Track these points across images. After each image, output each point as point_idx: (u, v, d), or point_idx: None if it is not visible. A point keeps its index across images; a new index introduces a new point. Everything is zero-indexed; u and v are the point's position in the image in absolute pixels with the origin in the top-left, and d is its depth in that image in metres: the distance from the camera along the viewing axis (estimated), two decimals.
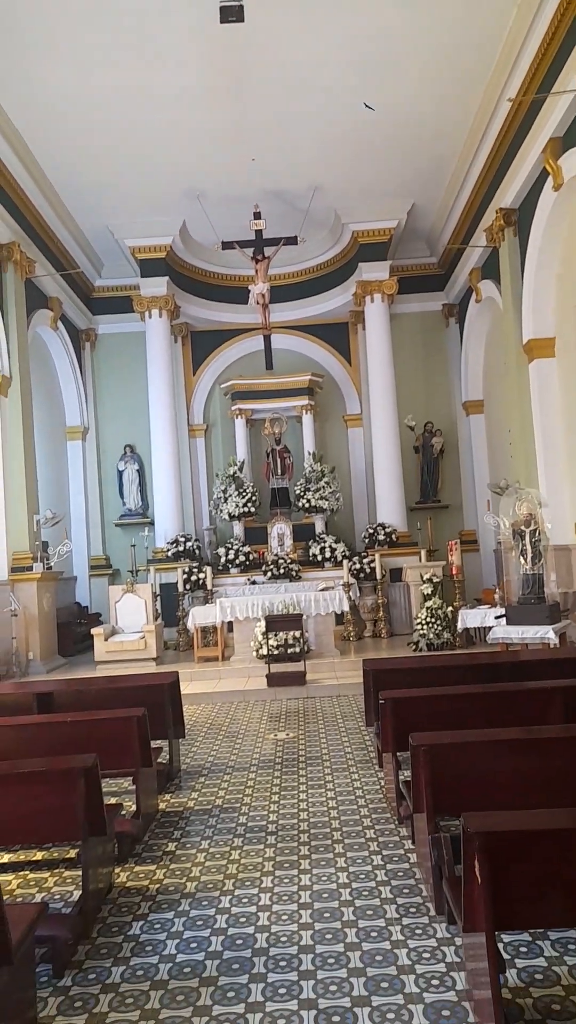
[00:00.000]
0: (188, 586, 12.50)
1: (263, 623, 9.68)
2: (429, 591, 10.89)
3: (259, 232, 12.57)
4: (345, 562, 12.33)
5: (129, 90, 9.58)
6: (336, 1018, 2.76)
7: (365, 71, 9.57)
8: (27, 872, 4.25)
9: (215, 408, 15.29)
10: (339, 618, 11.49)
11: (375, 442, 13.83)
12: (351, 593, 11.85)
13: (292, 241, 12.64)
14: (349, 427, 15.19)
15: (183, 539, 13.15)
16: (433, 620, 10.44)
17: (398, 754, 4.82)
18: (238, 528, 13.76)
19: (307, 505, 13.49)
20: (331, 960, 3.14)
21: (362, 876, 3.93)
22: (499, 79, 9.60)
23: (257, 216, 12.39)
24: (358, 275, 13.72)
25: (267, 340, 13.45)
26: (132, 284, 14.12)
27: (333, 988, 2.94)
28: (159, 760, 5.73)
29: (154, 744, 5.37)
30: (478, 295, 12.85)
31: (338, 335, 15.23)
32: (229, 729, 7.53)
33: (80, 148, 10.72)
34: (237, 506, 13.55)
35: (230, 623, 10.76)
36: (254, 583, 12.57)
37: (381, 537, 13.07)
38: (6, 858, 4.44)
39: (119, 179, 11.66)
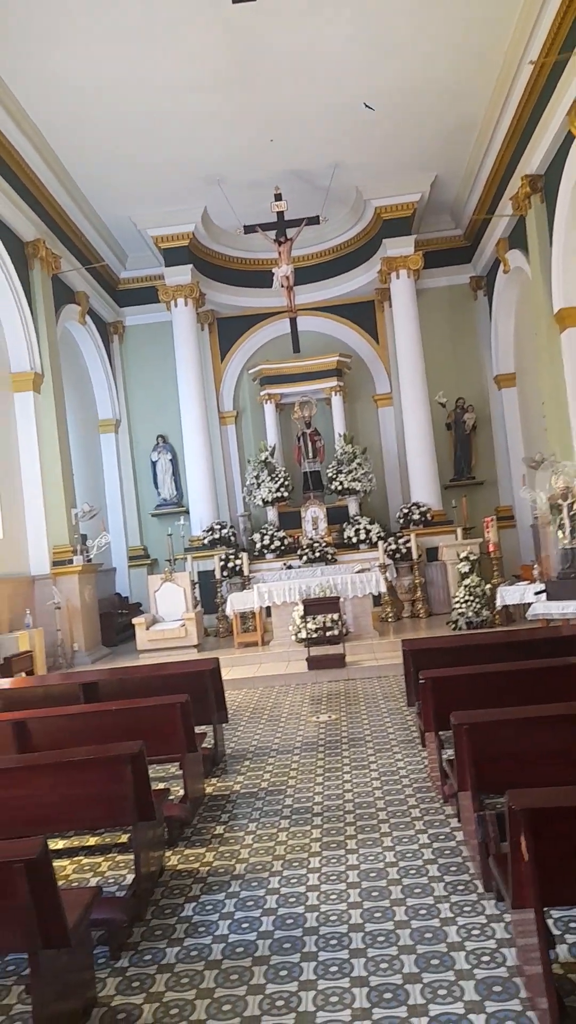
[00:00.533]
0: (225, 573, 12.61)
1: (300, 607, 9.73)
2: (466, 569, 10.81)
3: (280, 214, 12.48)
4: (380, 543, 12.29)
5: (144, 80, 9.56)
6: (388, 995, 2.79)
7: (380, 43, 9.39)
8: (81, 857, 4.38)
9: (244, 394, 15.30)
10: (376, 599, 11.48)
11: (406, 421, 13.71)
12: (388, 574, 11.81)
13: (314, 221, 12.52)
14: (379, 407, 15.08)
15: (218, 527, 13.24)
16: (471, 598, 10.37)
17: (440, 733, 4.82)
18: (272, 513, 13.80)
19: (340, 487, 13.46)
20: (381, 938, 3.18)
21: (409, 855, 3.96)
22: (520, 41, 9.34)
23: (278, 198, 12.30)
24: (382, 252, 13.55)
25: (293, 323, 13.39)
26: (157, 274, 14.16)
27: (384, 966, 2.98)
28: (204, 745, 5.82)
29: (198, 729, 5.45)
30: (506, 266, 12.59)
31: (364, 314, 15.08)
32: (271, 713, 7.60)
33: (98, 141, 10.75)
34: (270, 491, 13.59)
35: (268, 608, 10.83)
36: (290, 568, 12.62)
37: (416, 517, 12.99)
38: (61, 844, 4.57)
39: (139, 170, 11.66)
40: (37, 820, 3.60)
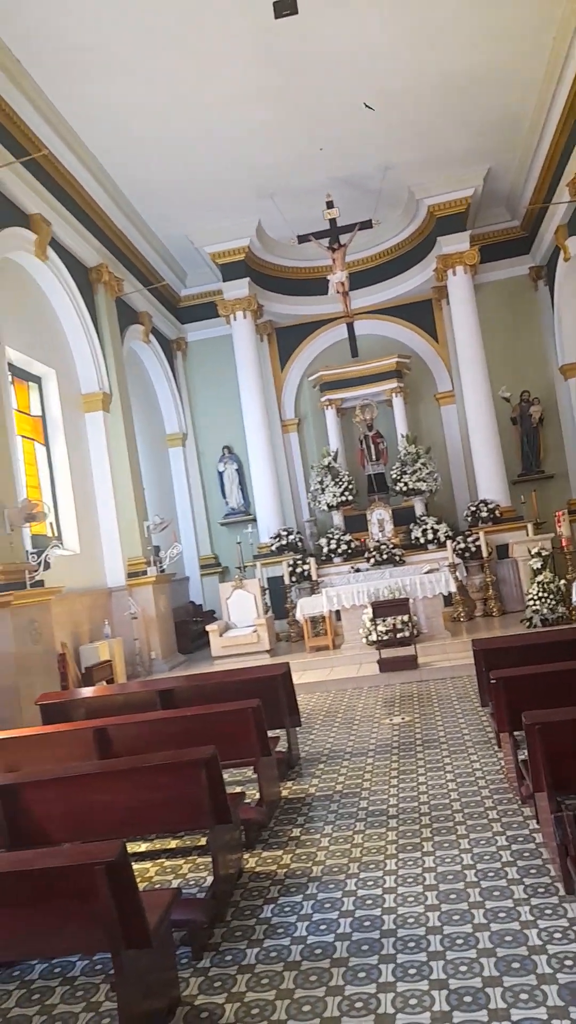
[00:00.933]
0: (294, 578, 12.70)
1: (370, 610, 9.71)
2: (539, 565, 10.55)
3: (333, 221, 12.52)
4: (449, 542, 12.13)
5: (191, 99, 9.80)
6: (468, 998, 2.77)
7: (420, 34, 9.28)
8: (163, 860, 4.51)
9: (305, 401, 15.40)
10: (447, 599, 11.33)
11: (470, 417, 13.49)
12: (457, 573, 11.64)
13: (367, 225, 12.51)
14: (441, 405, 14.90)
15: (285, 533, 13.35)
16: (545, 595, 10.11)
17: (515, 733, 4.74)
18: (337, 518, 13.81)
19: (405, 488, 13.36)
20: (460, 941, 3.16)
21: (487, 857, 3.91)
22: (569, 20, 9.11)
23: (330, 205, 12.35)
24: (437, 250, 13.41)
25: (350, 327, 13.41)
26: (215, 289, 14.43)
27: (463, 968, 2.96)
28: (278, 749, 5.89)
29: (272, 733, 5.53)
30: (566, 253, 12.26)
31: (422, 313, 14.95)
32: (345, 716, 7.62)
33: (152, 163, 11.06)
34: (334, 496, 13.61)
35: (338, 612, 10.85)
36: (358, 571, 12.59)
37: (484, 514, 12.76)
38: (144, 847, 4.71)
39: (193, 188, 11.94)
40: (119, 824, 3.74)
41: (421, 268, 14.20)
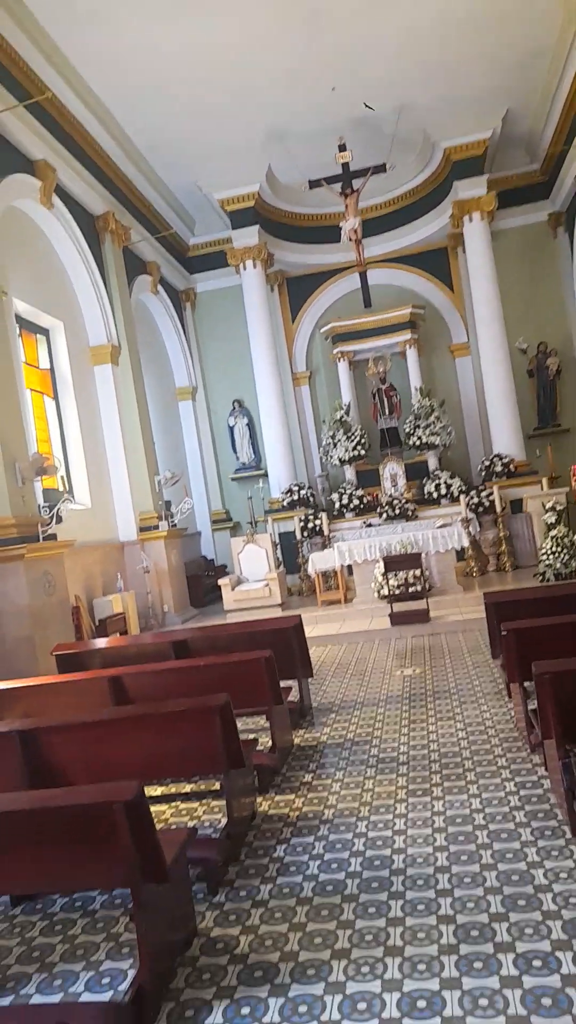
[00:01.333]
0: (305, 533, 12.73)
1: (382, 564, 9.74)
2: (553, 520, 10.50)
3: (346, 165, 12.18)
4: (462, 497, 12.08)
5: (201, 41, 9.45)
6: (475, 932, 2.86)
7: None
8: (179, 803, 4.63)
9: (317, 354, 15.20)
10: (460, 554, 11.34)
11: (485, 370, 13.30)
12: (471, 528, 11.62)
13: (381, 169, 12.16)
14: (456, 357, 14.68)
15: (297, 488, 13.33)
16: (559, 549, 10.09)
17: (525, 684, 4.79)
18: (350, 472, 13.76)
19: (418, 443, 13.26)
20: (467, 879, 3.24)
21: (495, 802, 3.99)
22: None
23: (342, 148, 12.00)
24: (453, 195, 13.04)
25: (363, 277, 13.14)
26: (224, 238, 14.14)
27: (471, 905, 3.05)
28: (290, 699, 5.98)
29: (284, 684, 5.61)
30: None
31: (437, 262, 14.62)
32: (356, 668, 7.71)
33: (160, 106, 10.73)
34: (347, 450, 13.54)
35: (350, 566, 10.89)
36: (370, 525, 12.60)
37: (498, 468, 12.67)
38: (159, 791, 4.84)
39: (201, 132, 11.60)
40: (135, 768, 3.82)
41: (436, 215, 13.83)
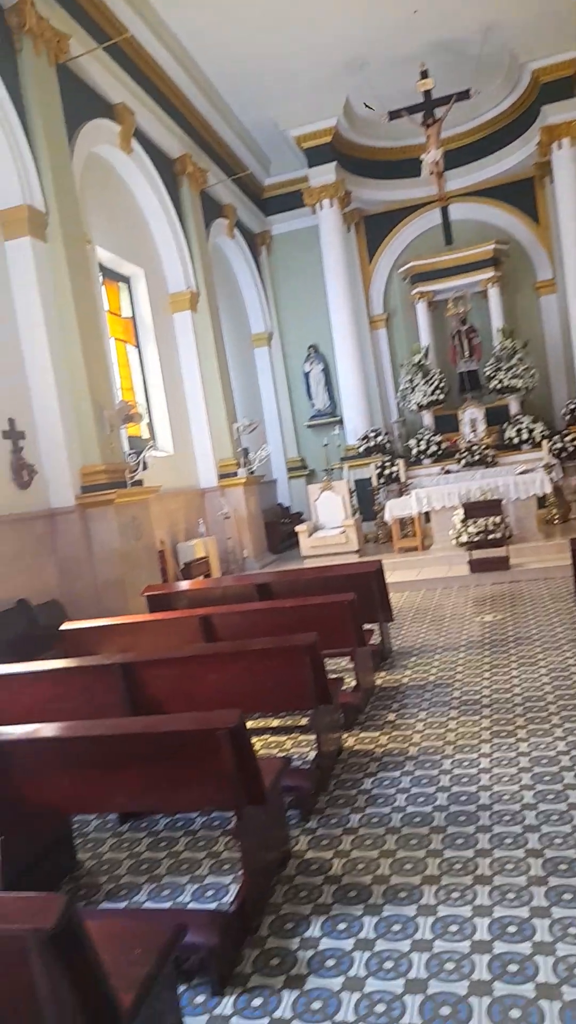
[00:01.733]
0: (382, 480, 12.67)
1: (461, 511, 9.63)
2: None
3: (427, 93, 11.59)
4: (544, 442, 11.73)
5: None
6: (563, 867, 2.93)
7: None
8: (267, 736, 4.84)
9: (394, 296, 14.82)
10: (541, 501, 11.07)
11: (572, 308, 12.69)
12: (553, 474, 11.29)
13: (464, 96, 11.52)
14: (541, 295, 14.04)
15: (373, 434, 13.22)
16: None
17: None
18: (427, 418, 13.53)
19: (499, 386, 12.87)
20: (554, 817, 3.30)
21: None
22: None
23: (424, 75, 11.41)
24: (541, 120, 12.27)
25: (444, 212, 12.64)
26: (301, 177, 13.79)
27: (558, 841, 3.11)
28: (371, 641, 6.08)
29: (364, 627, 5.70)
30: None
31: (522, 194, 13.88)
32: (435, 614, 7.75)
33: (236, 41, 10.41)
34: (425, 395, 13.29)
35: (427, 513, 10.82)
36: (448, 472, 12.42)
37: None
38: (249, 724, 5.04)
39: (278, 65, 11.23)
40: (228, 702, 4.01)
41: (522, 143, 13.09)
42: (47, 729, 2.96)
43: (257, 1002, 2.45)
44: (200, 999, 2.50)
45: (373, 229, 14.65)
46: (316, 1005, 2.39)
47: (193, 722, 2.78)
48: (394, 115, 11.86)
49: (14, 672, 4.26)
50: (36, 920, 1.65)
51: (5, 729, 3.01)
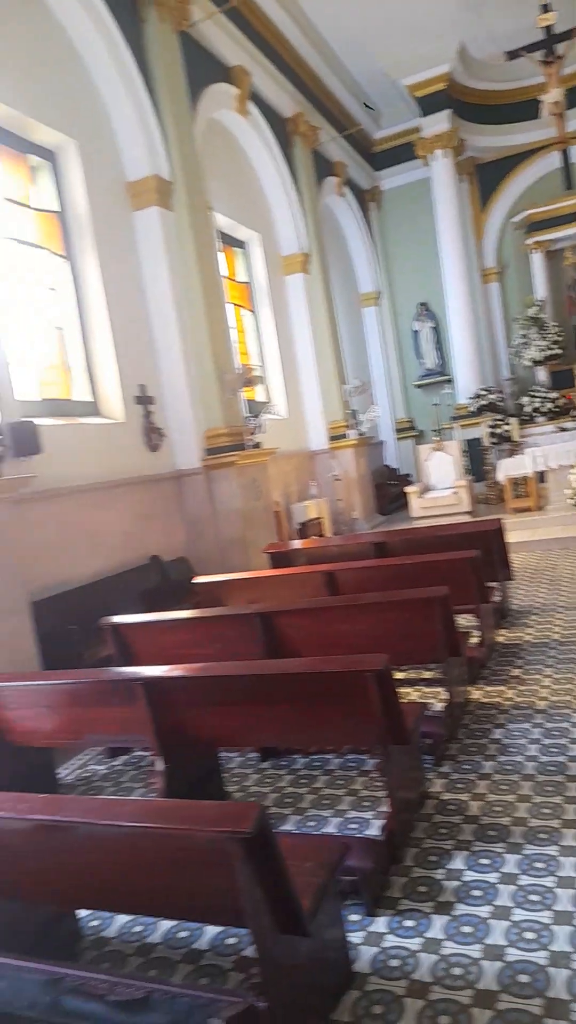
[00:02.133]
0: (494, 439, 12.41)
1: None
2: None
3: (548, 28, 10.92)
4: None
5: None
6: None
7: None
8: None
9: (508, 247, 14.27)
10: None
11: None
12: None
13: None
14: None
15: (484, 392, 12.92)
16: None
17: None
18: (542, 374, 13.08)
19: None
20: None
21: None
22: None
23: (545, 9, 10.74)
24: None
25: (565, 154, 11.97)
26: (412, 127, 13.41)
27: None
28: (493, 599, 6.10)
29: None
30: None
31: None
32: (552, 574, 7.63)
33: None
34: (540, 350, 12.84)
35: (541, 473, 10.54)
36: (564, 430, 12.00)
37: None
38: None
39: (389, 12, 10.87)
40: (361, 652, 4.19)
41: None
42: (208, 669, 3.24)
43: (409, 923, 2.65)
44: (355, 917, 2.72)
45: (486, 178, 14.10)
46: (467, 929, 2.56)
47: (342, 664, 2.97)
48: (512, 55, 11.26)
49: (154, 619, 4.61)
50: (236, 824, 1.88)
51: (169, 668, 3.30)
